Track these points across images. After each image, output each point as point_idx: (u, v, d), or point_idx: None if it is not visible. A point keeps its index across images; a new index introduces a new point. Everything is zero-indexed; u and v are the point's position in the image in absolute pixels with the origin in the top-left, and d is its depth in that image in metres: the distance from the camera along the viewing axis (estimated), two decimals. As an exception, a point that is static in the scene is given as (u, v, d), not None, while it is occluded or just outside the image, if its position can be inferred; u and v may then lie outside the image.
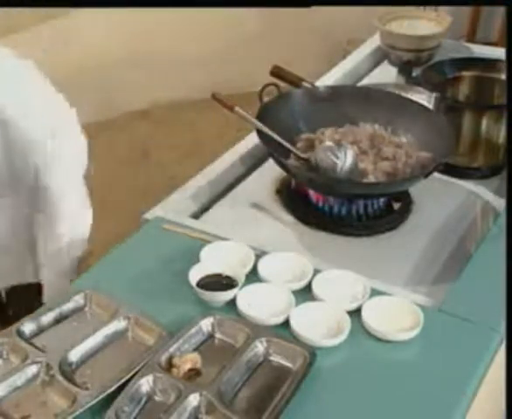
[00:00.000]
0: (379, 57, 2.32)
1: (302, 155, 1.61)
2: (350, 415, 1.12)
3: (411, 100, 1.77)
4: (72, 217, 1.70)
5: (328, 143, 1.61)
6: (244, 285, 1.31)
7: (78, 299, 1.29)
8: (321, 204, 1.60)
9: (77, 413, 1.06)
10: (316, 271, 1.35)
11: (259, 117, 1.62)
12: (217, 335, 1.23)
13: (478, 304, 1.31)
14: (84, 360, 1.17)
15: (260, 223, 1.60)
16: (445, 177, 1.73)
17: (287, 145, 1.62)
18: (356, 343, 1.23)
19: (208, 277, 1.33)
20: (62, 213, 1.67)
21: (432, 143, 1.63)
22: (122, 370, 1.13)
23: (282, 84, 1.77)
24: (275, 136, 1.60)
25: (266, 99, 1.69)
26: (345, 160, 1.56)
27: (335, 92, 1.80)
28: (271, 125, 1.61)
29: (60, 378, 1.11)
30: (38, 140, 1.58)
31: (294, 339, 1.21)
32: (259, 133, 1.61)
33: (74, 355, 1.16)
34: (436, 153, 1.60)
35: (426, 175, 1.55)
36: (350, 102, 1.75)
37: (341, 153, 1.56)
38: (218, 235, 1.46)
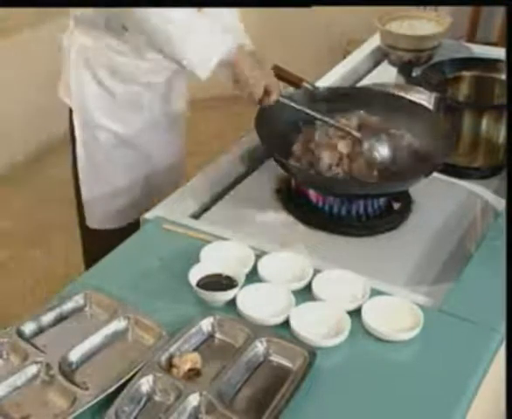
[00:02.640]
0: (379, 57, 2.32)
1: (354, 133, 1.61)
2: (350, 415, 1.12)
3: (411, 101, 1.77)
4: None
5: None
6: (244, 285, 1.31)
7: (78, 299, 1.29)
8: (321, 204, 1.60)
9: (77, 413, 1.06)
10: (316, 271, 1.35)
11: (260, 117, 1.63)
12: (217, 335, 1.23)
13: (478, 304, 1.31)
14: (84, 360, 1.17)
15: (260, 223, 1.60)
16: (445, 177, 1.73)
17: (332, 121, 1.64)
18: (356, 343, 1.23)
19: (208, 277, 1.33)
20: None
21: (432, 143, 1.63)
22: (122, 370, 1.13)
23: (282, 84, 1.77)
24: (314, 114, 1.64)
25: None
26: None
27: (335, 92, 1.80)
28: (271, 124, 1.62)
29: (60, 378, 1.11)
30: None
31: (294, 339, 1.21)
32: (260, 132, 1.61)
33: (74, 355, 1.16)
34: (436, 153, 1.60)
35: (426, 175, 1.55)
36: (350, 102, 1.75)
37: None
38: (218, 235, 1.46)
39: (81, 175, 1.84)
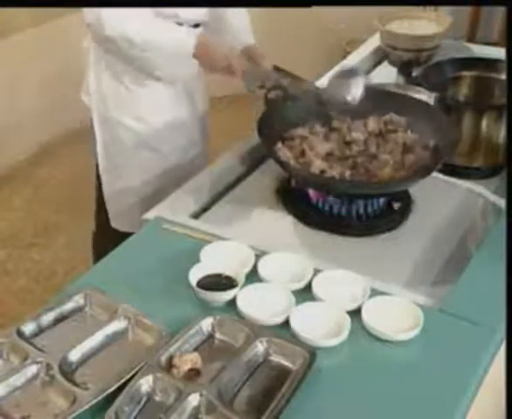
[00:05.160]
0: (379, 57, 2.32)
1: (316, 90, 1.66)
2: (350, 415, 1.12)
3: (415, 99, 1.77)
4: None
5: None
6: (244, 285, 1.31)
7: (78, 299, 1.29)
8: (321, 204, 1.60)
9: (77, 413, 1.06)
10: (316, 271, 1.35)
11: (263, 118, 1.65)
12: (217, 335, 1.23)
13: (478, 304, 1.31)
14: (84, 360, 1.17)
15: (260, 223, 1.60)
16: (445, 177, 1.73)
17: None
18: (356, 343, 1.23)
19: (208, 277, 1.33)
20: None
21: (434, 143, 1.63)
22: (122, 370, 1.12)
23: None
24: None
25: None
26: (356, 91, 1.62)
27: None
28: (276, 121, 1.65)
29: (60, 378, 1.11)
30: None
31: (294, 339, 1.21)
32: (261, 132, 1.61)
33: (74, 355, 1.17)
34: (437, 152, 1.60)
35: (426, 175, 1.55)
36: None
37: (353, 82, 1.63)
38: (218, 235, 1.46)
39: (103, 177, 1.84)
